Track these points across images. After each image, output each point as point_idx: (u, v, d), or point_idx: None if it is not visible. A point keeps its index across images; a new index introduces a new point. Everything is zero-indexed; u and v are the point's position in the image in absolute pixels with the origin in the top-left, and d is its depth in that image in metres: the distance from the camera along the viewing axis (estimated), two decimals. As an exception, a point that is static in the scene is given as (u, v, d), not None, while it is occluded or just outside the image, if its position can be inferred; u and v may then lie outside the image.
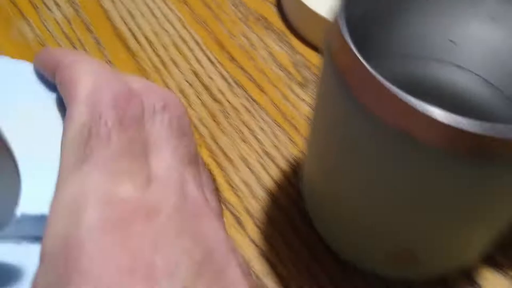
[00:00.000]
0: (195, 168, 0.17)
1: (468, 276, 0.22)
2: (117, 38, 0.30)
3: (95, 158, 0.15)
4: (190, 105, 0.28)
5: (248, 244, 0.23)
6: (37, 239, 0.17)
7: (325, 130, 0.18)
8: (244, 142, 0.26)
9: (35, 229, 0.16)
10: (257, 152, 0.26)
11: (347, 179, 0.18)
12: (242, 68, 0.29)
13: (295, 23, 0.31)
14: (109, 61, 0.29)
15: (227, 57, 0.30)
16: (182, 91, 0.28)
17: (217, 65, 0.29)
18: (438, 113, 0.13)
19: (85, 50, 0.30)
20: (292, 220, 0.24)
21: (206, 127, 0.27)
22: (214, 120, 0.27)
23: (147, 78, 0.28)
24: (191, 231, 0.15)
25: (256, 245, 0.23)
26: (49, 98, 0.19)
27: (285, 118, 0.27)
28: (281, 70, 0.29)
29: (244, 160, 0.26)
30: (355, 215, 0.19)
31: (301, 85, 0.29)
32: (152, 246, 0.14)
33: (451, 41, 0.20)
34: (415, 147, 0.14)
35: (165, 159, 0.16)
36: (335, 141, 0.17)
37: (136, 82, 0.18)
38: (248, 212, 0.24)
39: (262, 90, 0.28)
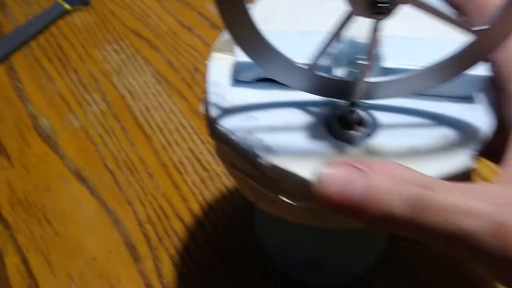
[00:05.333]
0: None
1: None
2: (137, 126, 0.43)
3: None
4: (186, 173, 0.40)
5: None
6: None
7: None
8: (225, 198, 0.39)
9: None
10: (230, 203, 0.38)
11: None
12: (223, 146, 0.42)
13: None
14: (132, 143, 0.42)
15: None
16: (181, 163, 0.41)
17: (206, 144, 0.42)
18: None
19: (114, 135, 0.43)
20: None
21: (197, 188, 0.39)
22: (203, 183, 0.39)
23: (157, 155, 0.41)
24: None
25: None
26: None
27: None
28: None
29: (224, 211, 0.38)
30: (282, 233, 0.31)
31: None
32: None
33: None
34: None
35: None
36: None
37: None
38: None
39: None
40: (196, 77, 0.47)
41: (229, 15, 0.19)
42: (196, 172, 0.40)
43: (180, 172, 0.40)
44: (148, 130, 0.43)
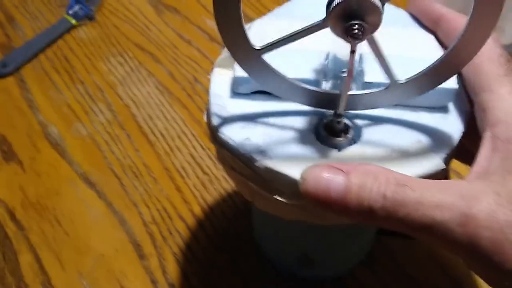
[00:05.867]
0: None
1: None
2: (141, 134, 0.46)
3: None
4: (188, 177, 0.43)
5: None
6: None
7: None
8: (224, 200, 0.41)
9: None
10: (229, 204, 0.41)
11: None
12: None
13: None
14: (137, 149, 0.45)
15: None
16: (183, 168, 0.44)
17: (206, 150, 0.45)
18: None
19: (120, 142, 0.45)
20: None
21: (198, 191, 0.42)
22: (204, 186, 0.42)
23: (160, 160, 0.44)
24: None
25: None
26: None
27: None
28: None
29: (223, 212, 0.41)
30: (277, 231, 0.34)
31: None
32: None
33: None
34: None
35: None
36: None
37: None
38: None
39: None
40: (196, 87, 0.50)
41: (228, 35, 0.22)
42: (197, 176, 0.43)
43: (182, 176, 0.43)
44: (151, 137, 0.46)
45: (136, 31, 0.56)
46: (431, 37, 0.28)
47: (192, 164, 0.44)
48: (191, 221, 0.40)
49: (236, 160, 0.25)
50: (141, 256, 0.38)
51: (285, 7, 0.31)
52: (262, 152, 0.24)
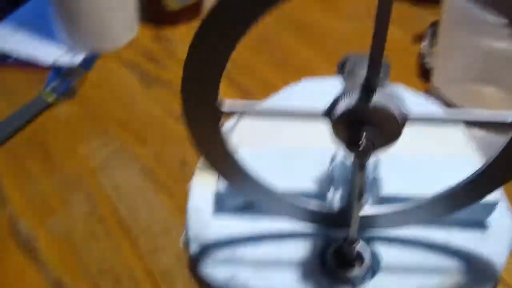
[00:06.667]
0: None
1: None
2: (121, 229, 0.41)
3: None
4: (174, 283, 0.38)
5: None
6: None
7: None
8: None
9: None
10: None
11: None
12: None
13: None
14: (116, 249, 0.40)
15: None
16: (167, 271, 0.38)
17: (195, 248, 0.40)
18: None
19: (98, 239, 0.40)
20: None
21: (185, 301, 0.37)
22: (191, 295, 0.37)
23: (143, 262, 0.39)
24: None
25: None
26: None
27: None
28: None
29: None
30: None
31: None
32: None
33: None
34: None
35: None
36: None
37: None
38: None
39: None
40: (185, 169, 0.45)
41: (202, 142, 0.18)
42: (184, 283, 0.38)
43: (166, 282, 0.38)
44: (133, 233, 0.41)
45: (120, 108, 0.52)
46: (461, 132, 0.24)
47: (179, 267, 0.39)
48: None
49: None
50: None
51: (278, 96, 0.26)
52: None
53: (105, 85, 0.54)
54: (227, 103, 0.18)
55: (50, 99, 0.51)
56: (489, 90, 0.41)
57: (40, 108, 0.50)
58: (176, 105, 0.51)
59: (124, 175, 0.45)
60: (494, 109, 0.18)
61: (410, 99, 0.17)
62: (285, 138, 0.24)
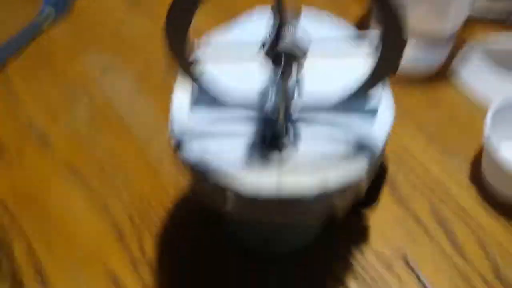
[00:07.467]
0: None
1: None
2: (120, 125, 0.50)
3: None
4: (163, 164, 0.47)
5: (194, 241, 0.42)
6: None
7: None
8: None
9: None
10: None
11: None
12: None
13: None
14: (117, 140, 0.49)
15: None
16: (159, 155, 0.48)
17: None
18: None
19: (102, 134, 0.49)
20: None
21: (173, 177, 0.46)
22: (177, 171, 0.47)
23: (138, 149, 0.48)
24: None
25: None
26: None
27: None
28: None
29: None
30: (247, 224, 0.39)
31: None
32: None
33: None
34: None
35: None
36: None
37: None
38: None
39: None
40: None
41: (173, 45, 0.26)
42: (172, 163, 0.47)
43: (158, 164, 0.47)
44: (130, 129, 0.50)
45: (113, 22, 0.59)
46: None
47: (168, 152, 0.48)
48: (167, 204, 0.45)
49: (195, 175, 0.30)
50: (122, 238, 0.43)
51: (240, 21, 0.34)
52: (214, 170, 0.28)
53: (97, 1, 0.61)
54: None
55: (51, 17, 0.58)
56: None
57: (45, 24, 0.58)
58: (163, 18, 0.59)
59: (119, 82, 0.54)
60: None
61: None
62: (239, 59, 0.32)
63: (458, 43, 0.54)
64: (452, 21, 0.50)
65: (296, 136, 0.30)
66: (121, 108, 0.51)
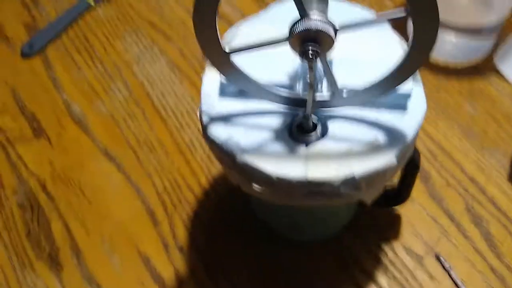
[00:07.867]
0: None
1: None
2: (154, 111, 0.51)
3: None
4: (196, 151, 0.48)
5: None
6: None
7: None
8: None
9: None
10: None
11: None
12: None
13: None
14: (151, 125, 0.50)
15: (219, 120, 0.50)
16: (191, 142, 0.48)
17: (213, 125, 0.49)
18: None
19: (136, 118, 0.50)
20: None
21: (205, 163, 0.47)
22: (210, 160, 0.47)
23: (172, 135, 0.49)
24: None
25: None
26: None
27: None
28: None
29: (226, 183, 0.45)
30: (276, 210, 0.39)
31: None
32: None
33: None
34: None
35: None
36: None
37: None
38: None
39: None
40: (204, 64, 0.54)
41: (202, 37, 0.26)
42: (204, 150, 0.48)
43: (190, 150, 0.48)
44: (164, 113, 0.51)
45: (149, 10, 0.59)
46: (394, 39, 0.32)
47: (200, 139, 0.49)
48: (198, 190, 0.45)
49: (222, 154, 0.30)
50: (154, 222, 0.44)
51: (269, 10, 0.34)
52: (242, 149, 0.29)
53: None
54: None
55: (90, 2, 0.59)
56: None
57: (83, 9, 0.58)
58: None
59: (154, 67, 0.54)
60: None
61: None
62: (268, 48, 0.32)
63: (502, 35, 0.53)
64: (497, 13, 0.49)
65: (324, 129, 0.30)
66: (156, 93, 0.52)
